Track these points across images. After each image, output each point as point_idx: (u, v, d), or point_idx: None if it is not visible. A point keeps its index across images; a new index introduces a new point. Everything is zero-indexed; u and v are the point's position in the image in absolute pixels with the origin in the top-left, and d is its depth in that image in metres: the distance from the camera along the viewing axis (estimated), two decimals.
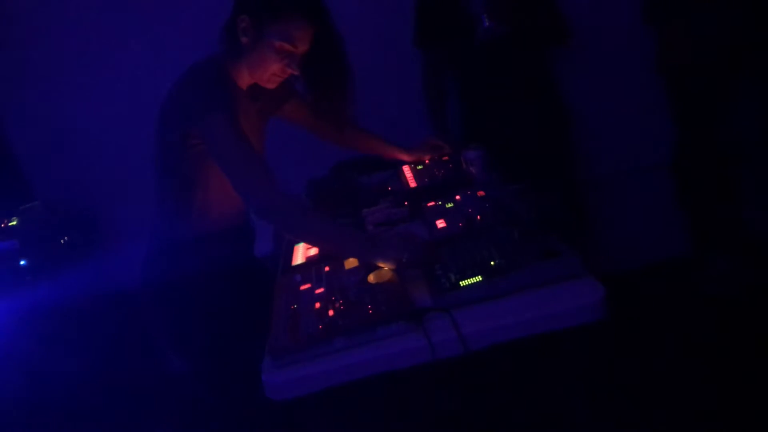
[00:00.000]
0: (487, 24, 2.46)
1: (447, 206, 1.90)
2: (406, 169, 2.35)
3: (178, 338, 1.94)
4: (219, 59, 1.81)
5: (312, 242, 1.83)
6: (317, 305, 1.50)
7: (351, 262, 1.68)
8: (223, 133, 1.64)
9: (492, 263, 1.45)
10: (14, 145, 3.12)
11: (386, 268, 1.56)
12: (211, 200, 1.83)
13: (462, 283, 1.42)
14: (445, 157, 2.35)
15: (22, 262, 2.61)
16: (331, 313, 1.45)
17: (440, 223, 1.78)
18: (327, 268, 1.69)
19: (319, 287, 1.60)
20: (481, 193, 1.92)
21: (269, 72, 1.78)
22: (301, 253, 1.87)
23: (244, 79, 1.84)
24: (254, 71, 1.80)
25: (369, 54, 2.89)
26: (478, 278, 1.42)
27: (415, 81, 2.85)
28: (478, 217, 1.75)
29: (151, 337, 3.14)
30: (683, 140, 2.89)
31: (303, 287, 1.62)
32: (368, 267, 1.60)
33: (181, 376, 2.89)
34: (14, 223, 2.69)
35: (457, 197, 1.93)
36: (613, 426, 2.05)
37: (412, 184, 2.20)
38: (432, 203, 1.95)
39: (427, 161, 2.37)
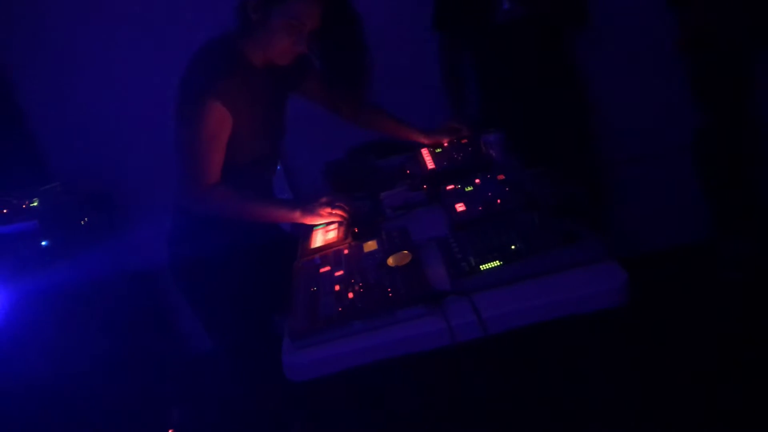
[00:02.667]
0: (507, 6, 2.43)
1: (466, 190, 1.89)
2: (424, 151, 2.33)
3: (203, 315, 1.98)
4: (233, 37, 1.82)
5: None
6: (336, 288, 1.51)
7: (370, 246, 1.69)
8: (192, 121, 1.76)
9: (512, 247, 1.45)
10: (34, 127, 3.14)
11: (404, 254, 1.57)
12: (231, 172, 1.85)
13: (482, 267, 1.42)
14: (464, 140, 2.33)
15: (43, 243, 2.63)
16: (350, 295, 1.46)
17: (459, 207, 1.78)
18: (346, 251, 1.70)
19: (338, 270, 1.60)
20: (500, 176, 1.91)
21: (279, 48, 1.81)
22: (321, 236, 1.87)
23: (258, 57, 1.85)
24: (265, 48, 1.83)
25: (387, 36, 2.88)
26: (498, 262, 1.41)
27: (434, 63, 2.83)
28: (498, 200, 1.74)
29: (171, 316, 3.17)
30: (704, 123, 2.85)
31: (322, 270, 1.63)
32: (387, 251, 1.60)
33: (201, 355, 2.93)
34: (35, 204, 2.71)
35: (477, 181, 1.92)
36: (634, 410, 2.05)
37: (431, 167, 2.19)
38: (451, 187, 1.94)
39: (445, 144, 2.35)
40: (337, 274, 1.58)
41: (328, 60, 1.92)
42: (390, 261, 1.55)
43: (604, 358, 1.75)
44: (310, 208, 1.87)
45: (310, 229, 1.93)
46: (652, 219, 3.20)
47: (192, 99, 1.76)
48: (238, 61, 1.82)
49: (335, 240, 1.81)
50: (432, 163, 2.21)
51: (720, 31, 2.62)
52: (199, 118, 1.75)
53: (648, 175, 3.17)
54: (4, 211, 2.68)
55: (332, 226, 1.88)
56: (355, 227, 1.82)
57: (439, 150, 2.32)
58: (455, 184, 1.94)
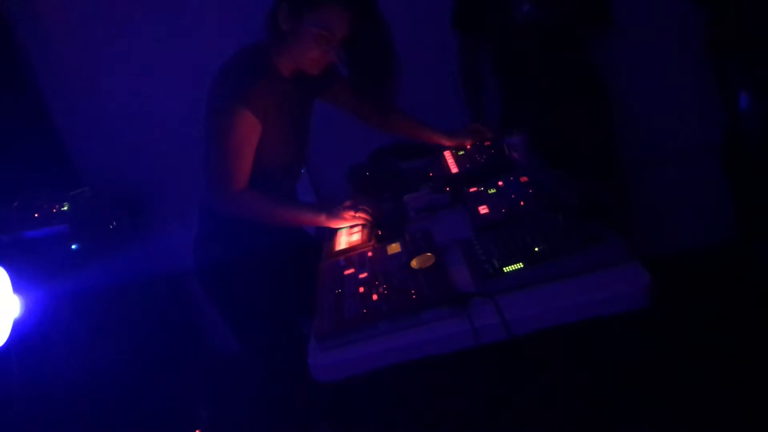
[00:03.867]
0: (527, 8, 2.43)
1: (489, 192, 1.90)
2: (447, 154, 2.34)
3: (230, 317, 2.01)
4: (264, 46, 1.85)
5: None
6: (361, 290, 1.53)
7: (393, 248, 1.70)
8: (222, 128, 1.79)
9: (536, 249, 1.45)
10: (63, 132, 3.20)
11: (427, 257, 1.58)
12: (258, 177, 1.88)
13: (505, 269, 1.42)
14: (487, 143, 2.34)
15: (73, 246, 2.68)
16: (374, 297, 1.48)
17: (483, 209, 1.79)
18: (370, 254, 1.71)
19: (362, 272, 1.62)
20: (524, 178, 1.91)
21: (309, 58, 1.83)
22: (345, 238, 1.89)
23: (287, 66, 1.88)
24: (296, 57, 1.85)
25: (406, 37, 2.89)
26: (521, 264, 1.42)
27: (453, 64, 2.83)
28: (521, 202, 1.75)
29: (198, 318, 3.21)
30: (730, 123, 2.83)
31: (347, 272, 1.65)
32: (411, 253, 1.62)
33: (228, 357, 2.97)
34: (65, 208, 2.76)
35: (500, 183, 1.93)
36: (658, 411, 2.04)
37: (454, 169, 2.20)
38: (474, 189, 1.95)
39: (468, 146, 2.36)
40: (362, 276, 1.60)
41: (356, 67, 1.93)
42: (413, 263, 1.57)
43: (630, 360, 1.74)
44: (335, 211, 1.89)
45: (335, 231, 1.95)
46: (676, 220, 3.18)
47: (222, 107, 1.80)
48: (267, 70, 1.85)
49: (359, 242, 1.83)
50: (455, 166, 2.22)
51: (746, 31, 2.60)
52: (229, 125, 1.78)
53: (671, 176, 3.15)
54: (36, 215, 2.74)
55: (356, 229, 1.90)
56: (378, 230, 1.84)
57: (461, 152, 2.33)
58: (478, 187, 1.95)
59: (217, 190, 1.85)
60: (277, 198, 1.95)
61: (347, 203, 1.90)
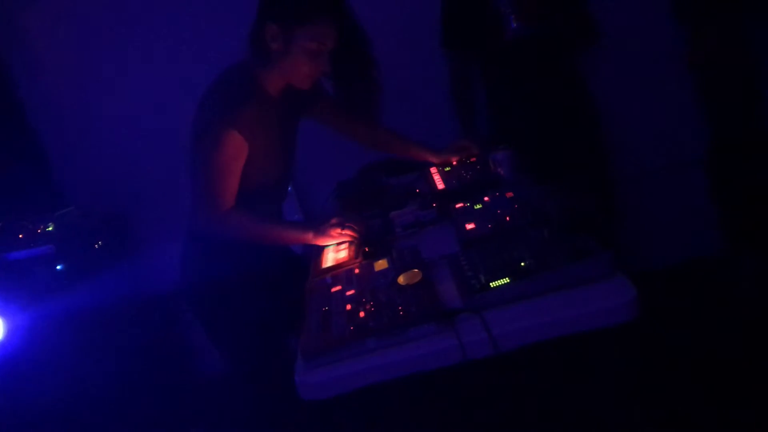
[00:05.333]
0: (515, 24, 2.45)
1: (476, 207, 1.90)
2: (433, 170, 2.35)
3: (217, 337, 2.00)
4: (249, 66, 1.85)
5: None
6: (348, 307, 1.52)
7: (380, 264, 1.70)
8: (210, 149, 1.78)
9: (522, 264, 1.45)
10: (49, 153, 3.18)
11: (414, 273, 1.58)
12: (245, 198, 1.87)
13: (492, 284, 1.42)
14: (473, 159, 2.35)
15: (58, 267, 2.66)
16: (362, 314, 1.47)
17: (469, 225, 1.79)
18: (357, 271, 1.71)
19: (349, 289, 1.61)
20: (509, 194, 1.92)
21: (302, 73, 1.84)
22: (332, 255, 1.89)
23: (274, 85, 1.89)
24: (288, 74, 1.87)
25: (396, 55, 2.90)
26: (508, 279, 1.42)
27: (443, 82, 2.85)
28: (507, 218, 1.75)
29: (185, 339, 3.18)
30: (715, 137, 2.85)
31: (334, 289, 1.64)
32: (398, 269, 1.61)
33: (216, 377, 2.94)
34: (50, 228, 2.75)
35: (486, 198, 1.93)
36: (647, 423, 2.03)
37: (441, 185, 2.20)
38: (460, 205, 1.95)
39: (454, 163, 2.37)
40: (349, 293, 1.59)
41: (342, 80, 1.95)
42: (401, 279, 1.56)
43: (618, 374, 1.74)
44: (321, 229, 1.89)
45: (321, 248, 1.94)
46: (665, 234, 3.20)
47: (210, 127, 1.80)
48: (254, 91, 1.86)
49: (346, 259, 1.82)
50: (441, 182, 2.22)
51: (728, 47, 2.63)
52: (216, 146, 1.78)
53: (658, 190, 3.17)
54: (20, 236, 2.72)
55: (343, 246, 1.89)
56: (365, 246, 1.84)
57: (448, 168, 2.33)
58: (465, 202, 1.95)
59: (204, 210, 1.84)
60: (263, 217, 1.95)
61: (334, 220, 1.90)
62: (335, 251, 1.89)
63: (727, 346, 2.55)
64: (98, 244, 2.90)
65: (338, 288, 1.64)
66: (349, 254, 1.84)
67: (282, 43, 1.79)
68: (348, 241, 1.88)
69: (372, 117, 2.07)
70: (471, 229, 1.77)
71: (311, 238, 1.90)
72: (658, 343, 2.57)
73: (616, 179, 2.99)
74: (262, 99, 1.87)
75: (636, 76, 3.02)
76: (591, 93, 2.78)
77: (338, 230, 1.87)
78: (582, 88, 2.76)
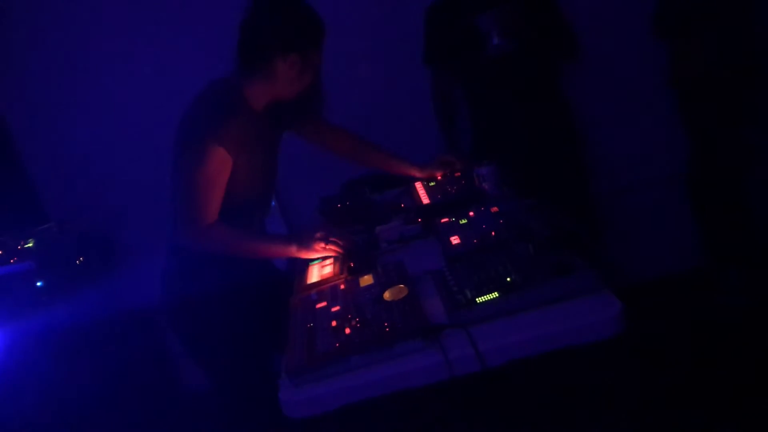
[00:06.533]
0: (497, 41, 2.47)
1: (461, 222, 1.90)
2: (418, 185, 2.35)
3: (198, 354, 1.97)
4: (234, 82, 1.85)
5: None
6: (333, 323, 1.51)
7: (366, 280, 1.69)
8: (194, 163, 1.78)
9: (507, 279, 1.45)
10: (29, 168, 3.16)
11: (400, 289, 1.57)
12: (227, 212, 1.86)
13: (478, 300, 1.42)
14: (458, 173, 2.35)
15: (38, 283, 2.63)
16: (347, 330, 1.46)
17: (454, 240, 1.79)
18: (342, 287, 1.70)
19: (335, 305, 1.60)
20: (494, 209, 1.92)
21: (304, 87, 1.90)
22: (317, 271, 1.88)
23: (260, 100, 1.89)
24: (287, 91, 1.89)
25: (379, 71, 2.92)
26: (494, 294, 1.42)
27: (426, 98, 2.86)
28: (492, 233, 1.75)
29: (167, 356, 3.15)
30: (695, 152, 2.89)
31: (319, 305, 1.63)
32: (384, 285, 1.61)
33: (198, 394, 2.91)
34: (30, 244, 2.72)
35: (471, 213, 1.93)
36: None
37: (425, 200, 2.21)
38: (445, 220, 1.95)
39: (439, 177, 2.37)
40: (334, 309, 1.58)
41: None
42: (386, 295, 1.56)
43: (604, 388, 1.74)
44: (305, 243, 1.88)
45: (306, 264, 1.93)
46: (648, 247, 3.22)
47: (194, 142, 1.79)
48: (240, 105, 1.86)
49: (331, 275, 1.81)
50: (426, 197, 2.23)
51: (708, 63, 2.67)
52: (200, 160, 1.77)
53: (643, 204, 3.19)
54: (0, 252, 2.68)
55: (328, 261, 1.88)
56: (350, 262, 1.83)
57: (432, 183, 2.34)
58: (449, 217, 1.95)
59: (187, 224, 1.83)
60: (246, 231, 1.94)
61: (318, 234, 1.89)
62: (320, 267, 1.88)
63: (712, 358, 2.57)
64: (79, 261, 2.87)
65: (323, 304, 1.63)
66: (334, 270, 1.83)
67: (300, 68, 1.83)
68: (333, 256, 1.87)
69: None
70: (456, 244, 1.77)
71: (294, 251, 1.89)
72: (643, 356, 2.58)
73: (599, 194, 3.01)
74: (246, 114, 1.87)
75: (617, 92, 3.06)
76: (573, 108, 2.80)
77: (322, 244, 1.86)
78: (564, 104, 2.79)
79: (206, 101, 1.87)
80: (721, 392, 2.36)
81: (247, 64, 1.84)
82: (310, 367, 1.38)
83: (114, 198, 3.15)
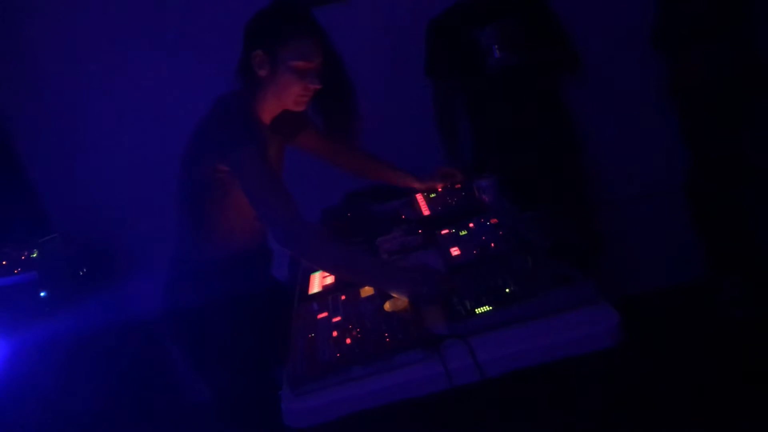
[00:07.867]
0: (498, 54, 2.49)
1: (461, 234, 1.91)
2: (419, 197, 2.37)
3: (200, 364, 1.98)
4: (241, 96, 1.85)
5: (328, 269, 1.85)
6: (334, 334, 1.52)
7: (367, 291, 1.70)
8: (252, 165, 1.70)
9: (507, 290, 1.47)
10: (33, 179, 3.17)
11: (402, 299, 1.58)
12: (232, 225, 1.88)
13: (477, 311, 1.43)
14: (458, 185, 2.37)
15: (42, 294, 2.64)
16: (348, 341, 1.47)
17: (454, 251, 1.80)
18: (343, 297, 1.71)
19: (336, 316, 1.62)
20: (494, 220, 1.94)
21: (295, 94, 1.83)
22: (318, 281, 1.89)
23: (269, 112, 1.89)
24: (280, 98, 1.85)
25: (381, 83, 2.95)
26: (493, 306, 1.43)
27: (428, 110, 2.88)
28: (492, 244, 1.77)
29: (170, 366, 3.15)
30: (695, 163, 2.90)
31: (320, 316, 1.64)
32: (384, 296, 1.62)
33: (200, 404, 2.91)
34: (34, 255, 2.73)
35: (471, 225, 1.95)
36: None
37: (426, 212, 2.22)
38: (446, 231, 1.97)
39: (439, 189, 2.39)
40: (335, 320, 1.60)
41: (320, 106, 1.95)
42: (387, 306, 1.57)
43: (604, 399, 1.75)
44: (428, 288, 1.57)
45: (308, 275, 1.94)
46: (649, 259, 3.23)
47: (232, 148, 1.71)
48: (253, 117, 1.85)
49: (332, 285, 1.82)
50: (427, 208, 2.24)
51: (708, 74, 2.69)
52: (253, 158, 1.69)
53: (643, 215, 3.21)
54: (3, 263, 2.70)
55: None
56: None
57: (433, 195, 2.35)
58: (450, 229, 1.97)
59: (282, 224, 1.68)
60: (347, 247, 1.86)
61: (443, 280, 1.61)
62: (321, 277, 1.90)
63: (710, 369, 2.57)
64: (82, 272, 2.89)
65: (324, 314, 1.64)
66: (335, 280, 1.84)
67: (269, 67, 1.79)
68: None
69: (350, 142, 2.06)
70: (456, 255, 1.78)
71: (409, 294, 1.58)
72: (642, 368, 2.58)
73: (599, 206, 3.03)
74: (258, 127, 1.87)
75: (617, 104, 3.08)
76: (573, 120, 2.82)
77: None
78: (564, 116, 2.80)
79: (225, 113, 1.82)
80: (722, 403, 2.36)
81: (246, 77, 1.85)
82: (312, 377, 1.40)
83: (117, 209, 3.16)
